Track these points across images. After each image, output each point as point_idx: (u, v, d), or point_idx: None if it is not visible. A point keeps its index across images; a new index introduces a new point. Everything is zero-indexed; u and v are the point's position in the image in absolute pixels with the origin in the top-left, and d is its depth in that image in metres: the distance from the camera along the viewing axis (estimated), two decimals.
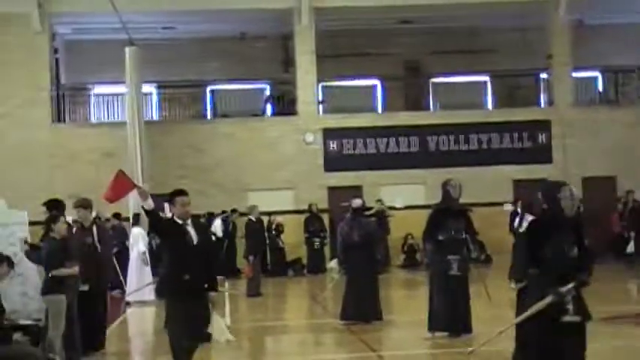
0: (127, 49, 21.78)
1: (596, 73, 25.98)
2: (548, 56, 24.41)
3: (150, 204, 7.73)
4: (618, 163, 23.28)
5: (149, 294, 16.37)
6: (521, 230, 17.49)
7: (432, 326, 10.80)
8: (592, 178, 23.35)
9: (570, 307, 6.38)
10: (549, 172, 23.71)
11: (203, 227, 8.53)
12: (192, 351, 7.89)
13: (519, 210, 18.28)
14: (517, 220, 17.92)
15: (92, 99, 25.28)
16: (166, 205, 8.38)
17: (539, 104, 25.30)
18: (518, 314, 6.74)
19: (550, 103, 24.68)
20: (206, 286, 7.88)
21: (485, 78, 25.88)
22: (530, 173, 23.65)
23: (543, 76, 25.11)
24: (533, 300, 6.48)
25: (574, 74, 24.54)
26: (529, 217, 17.71)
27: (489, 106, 25.71)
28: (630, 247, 20.18)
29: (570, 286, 6.39)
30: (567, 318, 6.39)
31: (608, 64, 25.26)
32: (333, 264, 19.57)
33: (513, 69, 24.96)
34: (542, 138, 24.17)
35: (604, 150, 23.43)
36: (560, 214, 6.52)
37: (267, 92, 25.73)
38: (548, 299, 6.35)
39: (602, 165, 23.23)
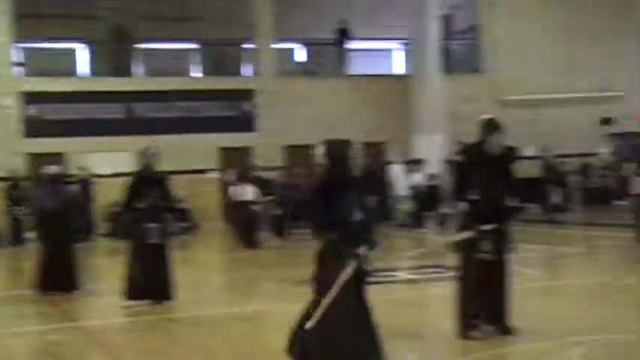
0: None
1: (298, 45, 27.29)
2: (252, 27, 25.15)
3: None
4: (316, 132, 24.54)
5: None
6: (241, 199, 18.19)
7: (130, 295, 10.86)
8: (292, 146, 24.56)
9: (370, 268, 6.25)
10: (254, 140, 24.61)
11: None
12: None
13: (234, 178, 18.97)
14: (234, 188, 18.59)
15: None
16: None
17: (244, 74, 26.00)
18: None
19: (255, 73, 25.46)
20: None
21: (194, 46, 26.10)
22: (235, 141, 24.40)
23: (249, 46, 25.82)
24: (336, 266, 6.12)
25: (277, 45, 25.50)
26: (247, 187, 18.48)
27: (196, 74, 25.98)
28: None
29: (365, 248, 6.22)
30: (370, 279, 6.29)
31: (308, 36, 26.56)
32: (33, 234, 18.88)
33: (221, 38, 25.41)
34: (246, 107, 24.92)
35: (304, 120, 24.63)
36: (348, 173, 6.36)
37: None
38: (353, 264, 6.12)
39: (302, 134, 24.39)
